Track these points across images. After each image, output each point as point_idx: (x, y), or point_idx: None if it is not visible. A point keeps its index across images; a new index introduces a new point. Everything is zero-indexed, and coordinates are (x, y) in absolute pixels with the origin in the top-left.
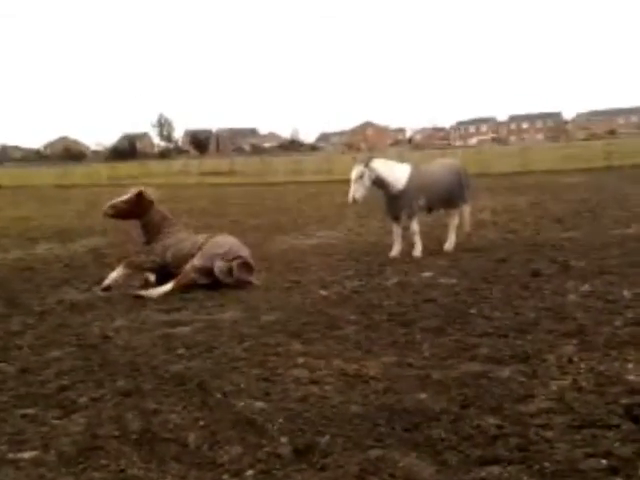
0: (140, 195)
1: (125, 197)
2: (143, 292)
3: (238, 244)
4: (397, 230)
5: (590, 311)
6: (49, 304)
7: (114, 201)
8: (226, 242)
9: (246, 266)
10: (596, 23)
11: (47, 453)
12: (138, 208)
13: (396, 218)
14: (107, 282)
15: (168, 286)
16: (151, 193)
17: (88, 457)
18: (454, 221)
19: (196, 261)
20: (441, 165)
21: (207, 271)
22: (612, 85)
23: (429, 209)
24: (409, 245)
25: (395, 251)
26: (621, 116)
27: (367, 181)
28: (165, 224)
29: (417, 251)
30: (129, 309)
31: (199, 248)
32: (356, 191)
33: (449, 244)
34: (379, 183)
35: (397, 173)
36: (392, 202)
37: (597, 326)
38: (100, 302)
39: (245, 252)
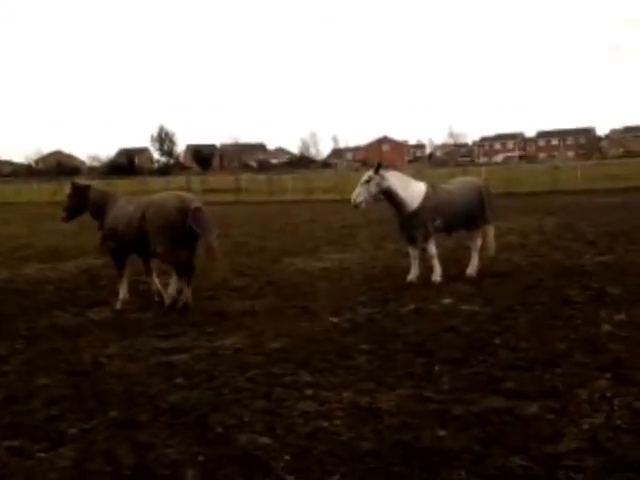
0: (74, 184)
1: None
2: (169, 300)
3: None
4: (414, 253)
5: (626, 342)
6: (38, 328)
7: (63, 206)
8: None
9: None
10: (632, 31)
11: None
12: (79, 197)
13: (411, 239)
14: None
15: (175, 278)
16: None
17: None
18: (477, 243)
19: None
20: (460, 183)
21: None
22: None
23: (448, 230)
24: (428, 269)
25: (412, 275)
26: None
27: (373, 188)
28: (107, 200)
29: (436, 275)
30: (123, 334)
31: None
32: (359, 195)
33: (471, 268)
34: (391, 199)
35: (412, 191)
36: (405, 222)
37: (633, 359)
38: (93, 326)
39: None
